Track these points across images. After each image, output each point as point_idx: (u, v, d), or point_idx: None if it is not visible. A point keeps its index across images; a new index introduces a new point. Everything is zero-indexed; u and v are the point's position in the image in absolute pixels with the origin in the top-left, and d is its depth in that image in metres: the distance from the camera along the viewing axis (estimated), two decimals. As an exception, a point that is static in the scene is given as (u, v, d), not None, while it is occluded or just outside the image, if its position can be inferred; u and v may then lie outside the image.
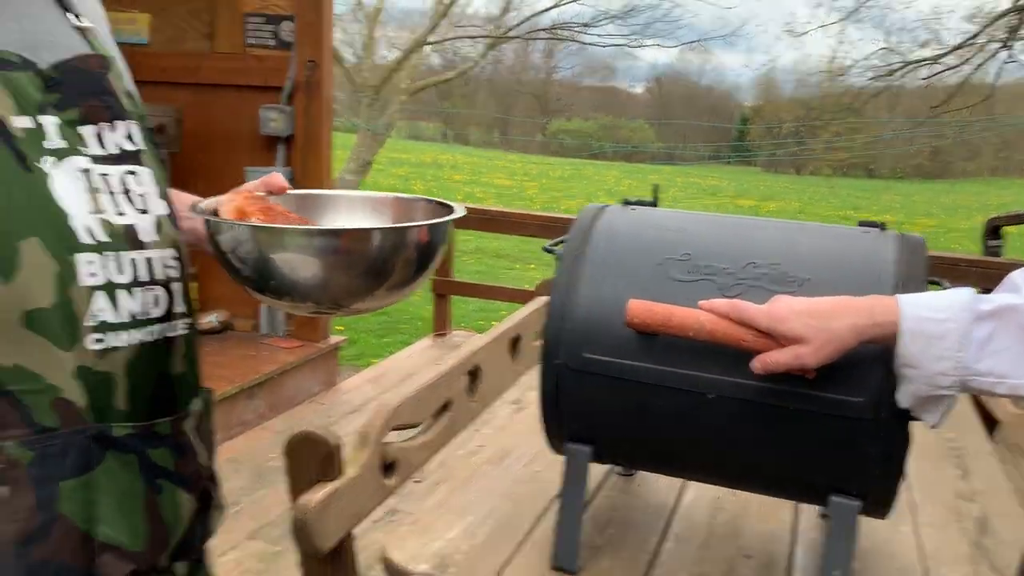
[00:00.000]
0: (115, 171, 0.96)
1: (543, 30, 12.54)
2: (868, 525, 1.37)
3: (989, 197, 22.15)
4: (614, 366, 1.32)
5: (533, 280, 9.87)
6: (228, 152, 4.32)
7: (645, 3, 11.00)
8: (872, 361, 1.13)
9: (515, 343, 2.23)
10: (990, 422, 2.31)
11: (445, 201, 1.17)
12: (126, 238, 0.96)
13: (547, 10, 11.43)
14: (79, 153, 0.92)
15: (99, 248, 0.92)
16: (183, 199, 1.15)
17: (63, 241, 0.88)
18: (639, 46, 11.51)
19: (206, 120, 4.35)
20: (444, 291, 5.16)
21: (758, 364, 1.11)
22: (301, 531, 1.26)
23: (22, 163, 0.86)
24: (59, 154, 0.90)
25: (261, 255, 0.97)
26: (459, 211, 1.11)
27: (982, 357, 0.98)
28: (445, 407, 1.74)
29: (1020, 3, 10.96)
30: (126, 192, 0.98)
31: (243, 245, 0.98)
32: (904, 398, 1.08)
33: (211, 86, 4.33)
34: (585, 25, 11.20)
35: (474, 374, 1.91)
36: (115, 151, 0.97)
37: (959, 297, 1.01)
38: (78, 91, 0.94)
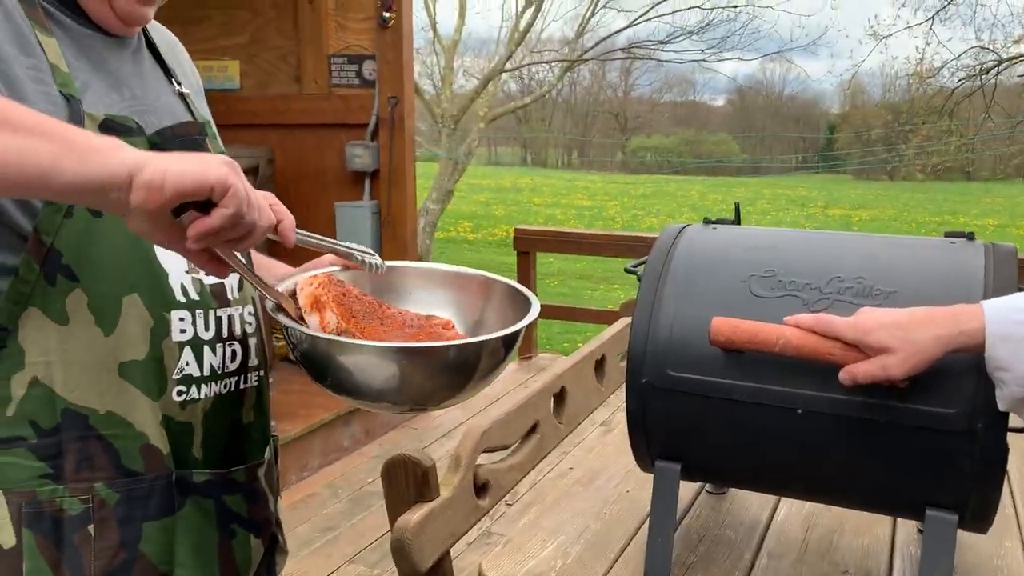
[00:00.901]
0: None
1: (619, 50, 12.58)
2: (971, 540, 1.34)
3: (1099, 194, 21.02)
4: (699, 383, 1.34)
5: (616, 300, 9.84)
6: (318, 188, 4.49)
7: (721, 17, 10.90)
8: (964, 371, 1.12)
9: (600, 364, 2.25)
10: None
11: (521, 288, 1.16)
12: (214, 296, 1.03)
13: (622, 30, 11.48)
14: None
15: (190, 306, 1.00)
16: (264, 263, 1.22)
17: (160, 298, 0.96)
18: (717, 60, 11.42)
19: (296, 159, 4.53)
20: (529, 314, 5.20)
21: (845, 376, 1.11)
22: (400, 551, 1.31)
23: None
24: None
25: (334, 365, 0.98)
26: (534, 311, 1.10)
27: None
28: (533, 429, 1.77)
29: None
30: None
31: (317, 355, 0.99)
32: (1002, 402, 1.07)
33: (299, 126, 4.52)
34: (661, 42, 11.19)
35: (560, 396, 1.94)
36: None
37: None
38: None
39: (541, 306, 1.10)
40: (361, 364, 0.97)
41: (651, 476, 1.38)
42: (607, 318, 4.69)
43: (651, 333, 1.33)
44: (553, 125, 38.18)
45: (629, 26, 11.18)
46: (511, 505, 2.78)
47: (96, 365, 0.91)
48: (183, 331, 0.98)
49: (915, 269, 1.29)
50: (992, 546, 1.50)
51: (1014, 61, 11.42)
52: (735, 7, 10.88)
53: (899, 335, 1.07)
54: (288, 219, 0.89)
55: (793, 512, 1.64)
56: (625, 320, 2.56)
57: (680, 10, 10.89)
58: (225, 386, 1.04)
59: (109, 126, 0.93)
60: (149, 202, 0.73)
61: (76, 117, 0.89)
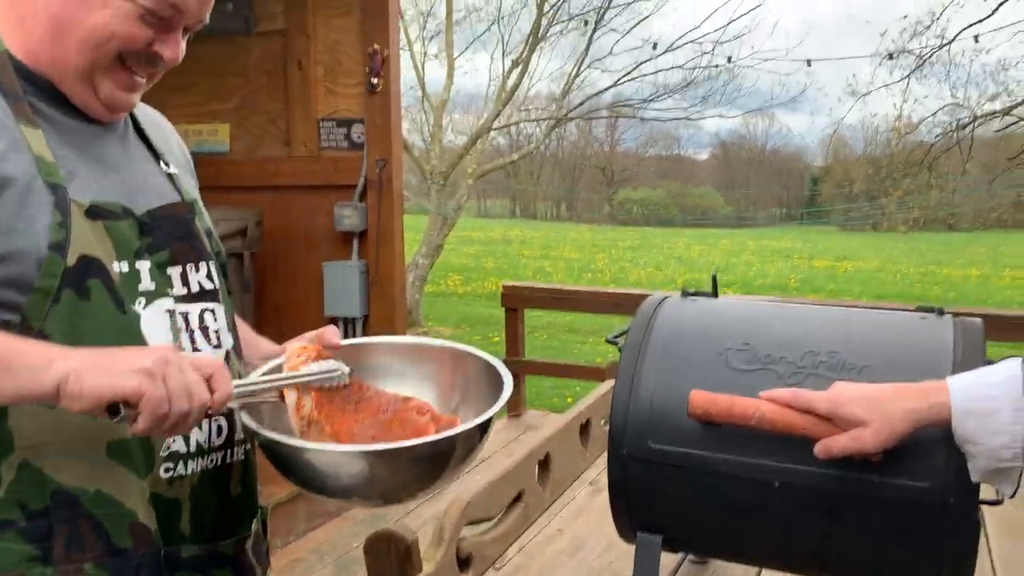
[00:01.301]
0: (195, 309, 1.06)
1: (604, 108, 12.81)
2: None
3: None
4: (679, 455, 1.36)
5: (605, 354, 9.84)
6: (306, 249, 4.52)
7: (702, 76, 11.14)
8: (935, 447, 1.14)
9: (585, 428, 2.27)
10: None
11: (493, 361, 1.17)
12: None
13: (606, 89, 11.70)
14: (166, 295, 1.02)
15: None
16: (249, 339, 1.24)
17: None
18: (700, 118, 11.63)
19: (285, 219, 4.57)
20: (515, 371, 5.21)
21: (821, 449, 1.14)
22: (384, 628, 1.31)
23: (119, 307, 0.97)
24: (149, 297, 1.00)
25: (297, 467, 0.99)
26: (507, 390, 1.10)
27: None
28: (518, 498, 1.78)
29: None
30: (203, 328, 1.07)
31: (281, 458, 1.00)
32: (975, 474, 1.09)
33: (288, 188, 4.57)
34: (645, 100, 11.40)
35: (545, 462, 1.96)
36: (196, 289, 1.07)
37: (1008, 370, 1.03)
38: (168, 235, 1.05)
39: (530, 362, 1.10)
40: (324, 467, 0.98)
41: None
42: (595, 374, 4.70)
43: (632, 405, 1.36)
44: (541, 178, 38.57)
45: (613, 85, 11.41)
46: (499, 569, 2.76)
47: (85, 445, 0.92)
48: None
49: (887, 343, 1.33)
50: (973, 615, 1.51)
51: (988, 117, 11.69)
52: (716, 66, 11.13)
53: (871, 409, 1.10)
54: (222, 392, 0.90)
55: (776, 581, 1.65)
56: (610, 382, 2.58)
57: (662, 70, 11.12)
58: (212, 461, 1.05)
59: (95, 212, 0.96)
60: (75, 409, 0.83)
61: (62, 204, 0.92)
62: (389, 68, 4.35)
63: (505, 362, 1.20)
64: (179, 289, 1.04)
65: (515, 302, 5.34)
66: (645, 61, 10.85)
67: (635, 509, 1.38)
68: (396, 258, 4.49)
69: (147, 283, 1.00)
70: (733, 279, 15.09)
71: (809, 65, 10.71)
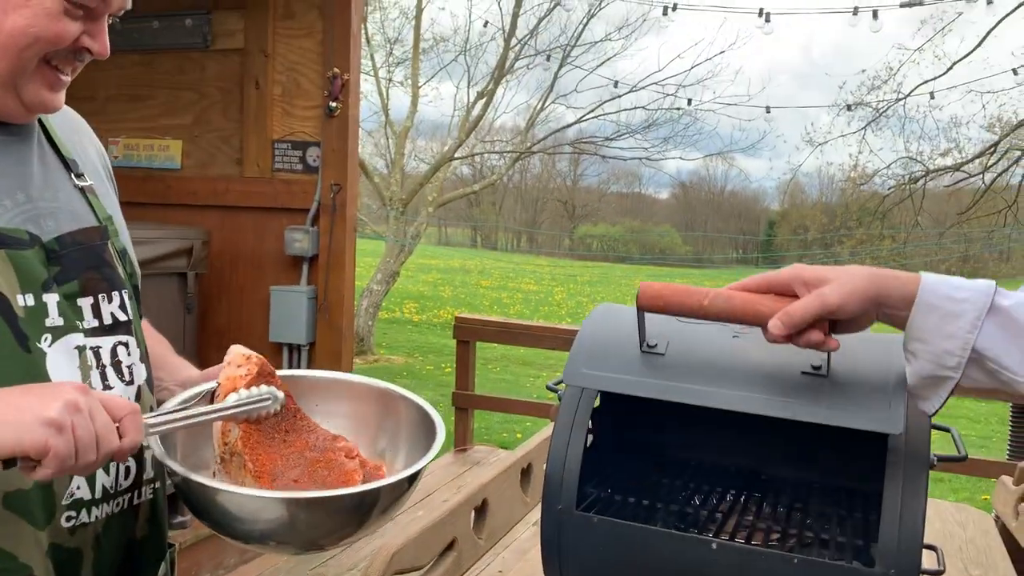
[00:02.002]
0: (108, 342, 0.99)
1: (567, 144, 12.91)
2: None
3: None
4: (616, 513, 1.31)
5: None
6: (254, 271, 4.42)
7: (664, 118, 11.29)
8: (876, 515, 1.10)
9: (527, 473, 2.20)
10: (1017, 556, 2.22)
11: (426, 407, 1.10)
12: None
13: (570, 125, 11.79)
14: (76, 329, 0.94)
15: None
16: (169, 363, 1.16)
17: None
18: (661, 158, 11.77)
19: (233, 241, 4.47)
20: (464, 405, 5.13)
21: (780, 317, 1.00)
22: None
23: (22, 344, 0.88)
24: (57, 332, 0.92)
25: (217, 508, 0.92)
26: (439, 438, 1.04)
27: (989, 345, 0.95)
28: (450, 547, 1.71)
29: (1038, 112, 11.11)
30: (116, 364, 1.00)
31: (192, 496, 0.93)
32: (911, 377, 1.03)
33: (239, 208, 4.47)
34: (608, 139, 11.50)
35: (482, 509, 1.88)
36: (109, 321, 0.99)
37: (980, 284, 0.97)
38: (78, 264, 0.97)
39: (478, 397, 1.03)
40: (240, 511, 0.90)
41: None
42: (544, 412, 4.64)
43: (567, 460, 1.29)
44: (503, 209, 38.72)
45: (577, 122, 11.51)
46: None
47: None
48: None
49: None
50: None
51: (940, 172, 12.02)
52: (677, 109, 11.28)
53: (836, 269, 1.02)
54: (131, 439, 0.82)
55: (713, 642, 1.59)
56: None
57: (625, 109, 11.25)
58: (118, 505, 0.97)
59: (1, 240, 0.88)
60: None
61: None
62: (349, 92, 4.30)
63: (454, 395, 1.15)
64: (90, 322, 0.97)
65: (467, 335, 5.27)
66: (608, 100, 10.96)
67: (567, 567, 1.31)
68: (346, 285, 4.40)
69: (55, 318, 0.92)
70: (688, 319, 15.16)
71: (768, 111, 10.93)
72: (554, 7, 10.79)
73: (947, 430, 1.29)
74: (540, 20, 10.94)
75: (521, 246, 40.53)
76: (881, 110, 11.47)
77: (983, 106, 12.69)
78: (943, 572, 1.17)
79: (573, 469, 1.28)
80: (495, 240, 40.65)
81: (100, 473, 0.94)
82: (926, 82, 11.37)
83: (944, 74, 10.93)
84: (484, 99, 11.04)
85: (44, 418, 0.74)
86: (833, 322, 1.02)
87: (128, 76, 4.59)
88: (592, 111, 11.16)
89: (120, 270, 1.04)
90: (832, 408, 1.11)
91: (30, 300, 0.90)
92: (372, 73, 11.06)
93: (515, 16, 10.77)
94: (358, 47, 4.41)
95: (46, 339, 0.91)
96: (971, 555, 2.05)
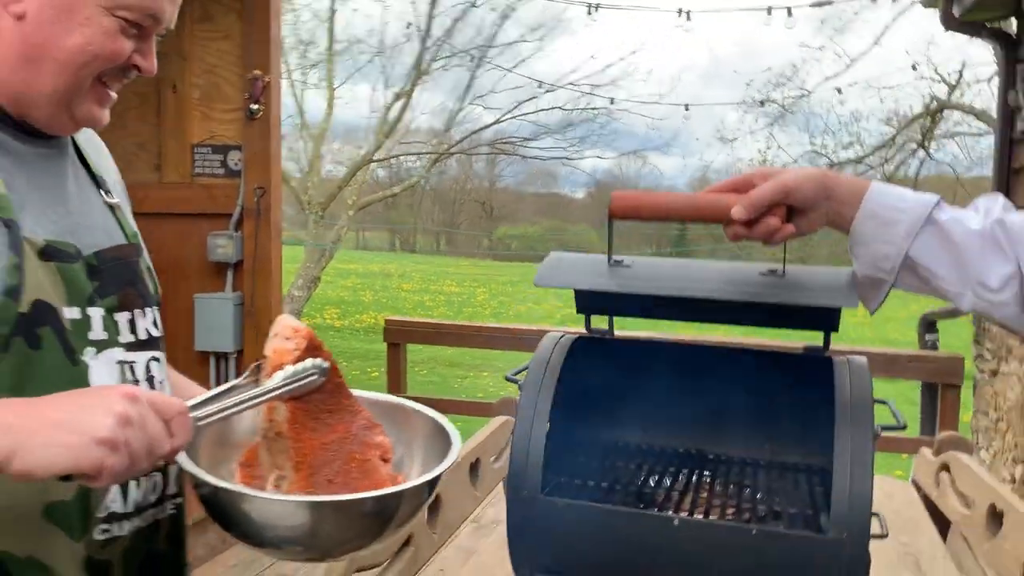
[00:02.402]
0: (142, 358, 0.99)
1: (486, 144, 12.95)
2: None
3: (922, 286, 23.02)
4: (580, 497, 1.35)
5: (486, 388, 9.83)
6: (176, 279, 4.29)
7: (581, 118, 11.45)
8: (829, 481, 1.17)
9: (475, 467, 2.23)
10: (943, 524, 2.36)
11: (441, 420, 1.10)
12: None
13: (488, 126, 11.84)
14: (116, 343, 0.95)
15: None
16: (179, 384, 1.15)
17: None
18: (580, 158, 11.95)
19: (153, 248, 4.28)
20: (398, 407, 5.11)
21: (741, 204, 1.05)
22: None
23: (70, 356, 0.89)
24: (100, 346, 0.93)
25: (243, 515, 0.90)
26: (455, 447, 1.03)
27: (922, 254, 1.02)
28: (407, 543, 1.72)
29: (931, 107, 11.71)
30: (150, 379, 1.00)
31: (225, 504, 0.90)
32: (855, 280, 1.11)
33: (158, 215, 4.33)
34: (525, 139, 11.60)
35: (435, 504, 1.90)
36: (144, 337, 1.00)
37: (923, 198, 1.04)
38: (116, 280, 0.98)
39: (413, 398, 1.03)
40: (264, 516, 0.89)
41: (530, 591, 1.36)
42: (484, 411, 4.64)
43: (531, 446, 1.33)
44: (421, 211, 38.51)
45: (496, 122, 11.57)
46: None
47: (21, 508, 0.85)
48: None
49: (776, 381, 1.37)
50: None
51: (843, 165, 12.55)
52: (594, 109, 11.46)
53: (796, 167, 1.10)
54: (180, 440, 0.81)
55: (668, 619, 1.64)
56: (500, 419, 2.55)
57: (543, 109, 11.36)
58: (144, 520, 0.98)
59: (49, 253, 0.89)
60: (27, 482, 0.74)
61: (16, 244, 0.85)
62: (270, 94, 4.23)
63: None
64: (127, 336, 0.98)
65: (397, 337, 5.26)
66: (527, 100, 11.06)
67: (534, 552, 1.34)
68: (273, 290, 4.33)
69: (98, 331, 0.93)
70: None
71: (687, 109, 11.20)
72: (469, 7, 10.84)
73: (884, 403, 1.37)
74: (456, 21, 10.97)
75: (441, 248, 40.40)
76: (787, 106, 11.93)
77: (881, 100, 13.29)
78: (887, 536, 1.25)
79: (537, 455, 1.32)
80: (414, 243, 40.39)
81: (132, 487, 0.95)
82: (828, 79, 11.87)
83: (845, 71, 11.43)
84: (401, 100, 10.99)
85: (98, 438, 0.73)
86: (789, 216, 1.06)
87: (35, 81, 4.42)
88: (511, 111, 11.25)
89: (150, 287, 1.05)
90: (792, 292, 1.16)
91: (76, 313, 0.91)
92: (287, 75, 10.88)
93: (430, 17, 10.77)
94: (279, 49, 4.35)
95: (90, 352, 0.92)
96: (899, 524, 2.16)
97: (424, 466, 1.03)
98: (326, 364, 0.97)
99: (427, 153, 12.04)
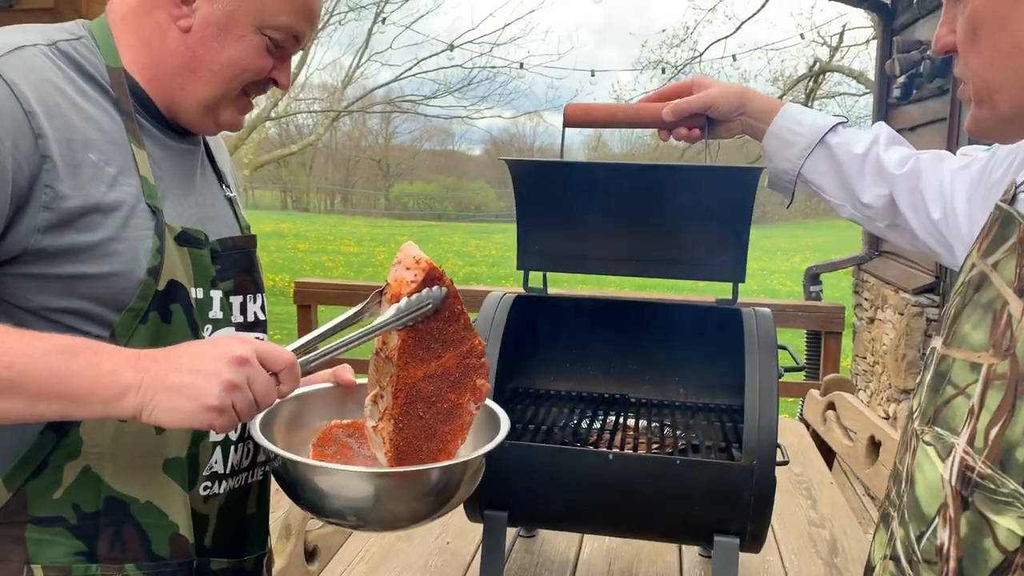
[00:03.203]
0: (224, 333, 1.05)
1: (387, 102, 12.82)
2: (742, 558, 1.59)
3: (803, 239, 24.20)
4: (524, 439, 1.50)
5: (392, 347, 9.89)
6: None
7: (480, 77, 11.48)
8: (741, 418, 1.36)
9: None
10: (828, 455, 2.64)
11: (493, 406, 1.13)
12: None
13: (387, 83, 11.73)
14: (230, 323, 1.04)
15: None
16: None
17: None
18: (479, 117, 11.98)
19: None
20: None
21: (670, 108, 1.24)
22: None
23: (193, 331, 0.97)
24: (216, 324, 1.01)
25: (310, 485, 0.97)
26: (504, 428, 1.09)
27: (812, 171, 1.22)
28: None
29: (814, 69, 12.27)
30: None
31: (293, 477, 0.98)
32: (768, 182, 1.32)
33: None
34: (426, 98, 11.56)
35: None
36: (252, 319, 1.09)
37: (820, 122, 1.23)
38: (234, 266, 1.06)
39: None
40: (328, 486, 0.97)
41: (468, 527, 1.50)
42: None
43: (479, 396, 1.46)
44: (314, 170, 37.67)
45: (394, 80, 11.47)
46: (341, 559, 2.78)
47: (144, 460, 0.95)
48: (212, 435, 1.01)
49: (693, 335, 1.55)
50: (759, 562, 1.77)
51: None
52: (493, 68, 11.51)
53: (722, 83, 1.27)
54: (287, 387, 0.91)
55: (596, 549, 1.83)
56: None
57: (443, 68, 11.35)
58: (238, 481, 1.07)
59: (184, 238, 0.98)
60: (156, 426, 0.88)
61: (160, 229, 0.94)
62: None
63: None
64: (238, 317, 1.07)
65: (308, 299, 5.27)
66: (427, 57, 10.99)
67: (482, 490, 1.48)
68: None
69: (216, 311, 1.02)
70: (507, 272, 15.65)
71: (593, 75, 11.36)
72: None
73: (784, 348, 1.57)
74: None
75: (335, 207, 39.66)
76: (679, 67, 12.27)
77: (768, 62, 13.82)
78: (788, 462, 1.45)
79: (485, 404, 1.46)
80: (307, 202, 39.52)
81: (231, 451, 1.04)
82: (718, 40, 12.26)
83: (734, 33, 11.83)
84: (297, 56, 10.76)
85: (208, 406, 0.83)
86: (711, 123, 1.25)
87: (-85, 36, 4.19)
88: (410, 69, 11.19)
89: (260, 275, 1.13)
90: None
91: (200, 294, 1.00)
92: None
93: (326, -29, 10.52)
94: (182, 7, 4.25)
95: (208, 329, 1.00)
96: (792, 455, 2.41)
97: (474, 446, 1.09)
98: (443, 291, 1.00)
99: (327, 111, 11.85)
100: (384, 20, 10.71)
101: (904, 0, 4.91)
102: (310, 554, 1.62)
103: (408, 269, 0.99)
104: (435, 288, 0.99)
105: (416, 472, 0.99)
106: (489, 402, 1.09)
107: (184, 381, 0.84)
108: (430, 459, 1.01)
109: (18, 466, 0.90)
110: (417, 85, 11.76)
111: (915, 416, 0.81)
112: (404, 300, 0.97)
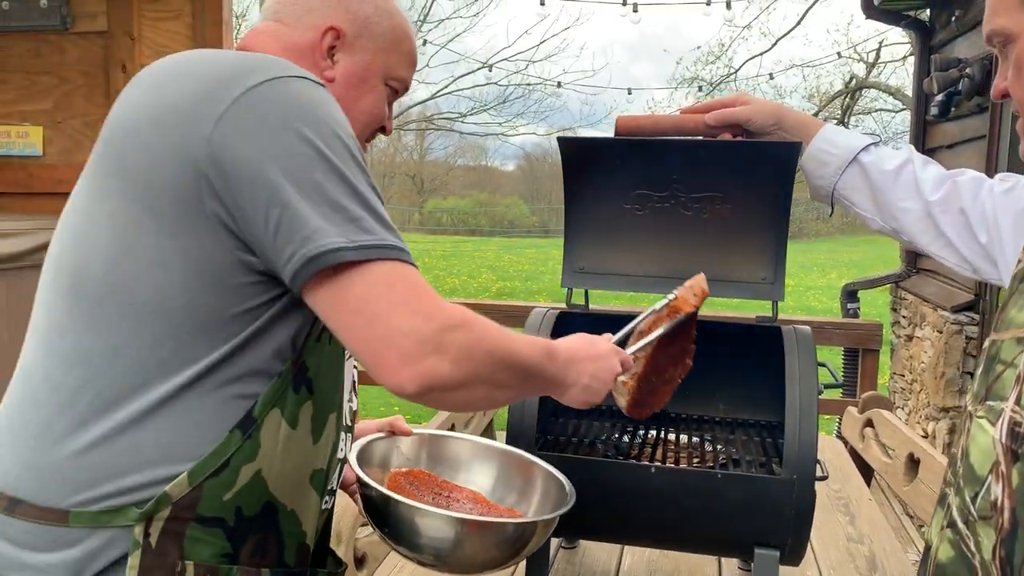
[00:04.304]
0: (351, 363, 1.14)
1: (423, 120, 12.99)
2: (781, 572, 1.61)
3: (840, 255, 23.93)
4: (573, 450, 1.54)
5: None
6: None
7: (516, 94, 11.59)
8: (785, 444, 1.39)
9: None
10: (866, 473, 2.64)
11: (558, 474, 1.28)
12: (352, 422, 1.15)
13: (424, 101, 11.89)
14: None
15: (347, 430, 1.11)
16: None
17: (342, 420, 1.07)
18: (514, 134, 12.10)
19: (106, 228, 4.36)
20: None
21: (715, 115, 1.36)
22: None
23: (343, 353, 1.04)
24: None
25: (397, 521, 1.09)
26: (571, 499, 1.21)
27: (845, 187, 1.31)
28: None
29: (850, 85, 12.20)
30: (354, 382, 1.16)
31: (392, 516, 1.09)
32: (810, 194, 1.40)
33: (110, 194, 4.36)
34: (462, 115, 11.69)
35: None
36: None
37: (853, 142, 1.31)
38: None
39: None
40: (414, 525, 1.07)
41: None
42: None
43: (525, 409, 1.51)
44: (350, 186, 37.97)
45: (431, 98, 11.62)
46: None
47: (299, 468, 0.99)
48: (341, 450, 1.09)
49: (736, 351, 1.58)
50: (797, 575, 1.79)
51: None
52: (528, 85, 11.61)
53: (760, 99, 1.37)
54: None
55: (636, 560, 1.86)
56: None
57: (479, 85, 11.46)
58: (331, 502, 1.13)
59: None
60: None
61: None
62: (154, 62, 4.27)
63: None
64: None
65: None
66: (463, 75, 11.13)
67: (526, 502, 1.53)
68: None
69: None
70: (541, 287, 15.69)
71: (630, 93, 11.42)
72: (403, -17, 10.83)
73: (824, 365, 1.60)
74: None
75: (370, 222, 39.90)
76: (715, 83, 12.29)
77: (804, 78, 13.79)
78: (827, 477, 1.48)
79: (531, 417, 1.51)
80: (343, 217, 39.82)
81: (338, 471, 1.11)
82: (753, 57, 12.26)
83: (769, 50, 11.83)
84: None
85: (592, 403, 1.13)
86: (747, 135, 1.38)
87: (-25, 59, 4.36)
88: (447, 87, 11.33)
89: None
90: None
91: None
92: (217, 49, 10.72)
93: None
94: (230, 30, 4.39)
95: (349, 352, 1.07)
96: (830, 472, 2.42)
97: (537, 509, 1.25)
98: (695, 310, 1.33)
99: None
100: (425, 42, 10.85)
101: (942, 18, 4.90)
102: (359, 560, 1.67)
103: (694, 296, 1.31)
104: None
105: (497, 523, 1.12)
106: (552, 469, 1.31)
107: (588, 383, 1.11)
108: (650, 408, 1.35)
109: (205, 461, 0.91)
110: (453, 102, 11.91)
111: (968, 401, 0.87)
112: (682, 315, 1.31)
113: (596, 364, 1.11)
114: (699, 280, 1.33)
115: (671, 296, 1.32)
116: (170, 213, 0.88)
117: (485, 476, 1.32)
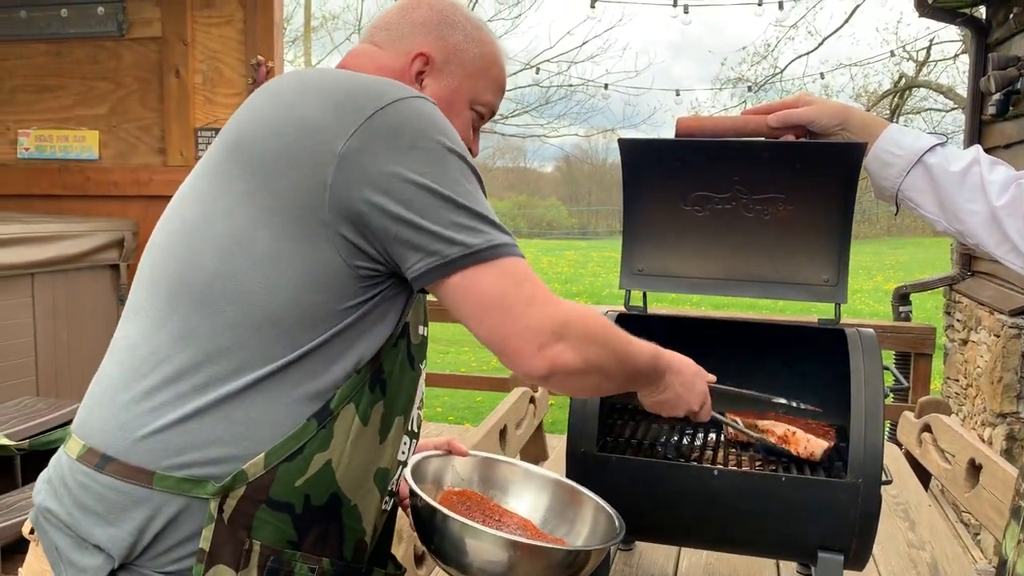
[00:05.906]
0: (422, 379, 1.17)
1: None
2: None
3: (886, 258, 23.51)
4: (632, 452, 1.54)
5: (467, 363, 10.00)
6: (183, 260, 4.42)
7: (558, 95, 11.58)
8: (851, 448, 1.37)
9: (503, 434, 2.42)
10: (923, 477, 2.60)
11: (607, 507, 1.30)
12: (417, 429, 1.17)
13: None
14: (424, 357, 1.14)
15: (412, 435, 1.14)
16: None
17: (408, 424, 1.10)
18: (556, 136, 12.08)
19: (160, 230, 4.45)
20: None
21: (778, 115, 1.35)
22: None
23: (411, 363, 1.08)
24: (421, 358, 1.12)
25: (446, 537, 1.12)
26: (620, 530, 1.24)
27: (910, 189, 1.29)
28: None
29: (899, 84, 12.00)
30: (422, 396, 1.17)
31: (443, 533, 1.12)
32: (874, 193, 1.39)
33: (163, 197, 4.42)
34: (504, 116, 11.71)
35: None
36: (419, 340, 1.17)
37: (918, 143, 1.30)
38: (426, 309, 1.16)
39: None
40: (466, 543, 1.09)
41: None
42: (497, 385, 4.74)
43: (587, 411, 1.52)
44: (390, 188, 38.22)
45: (474, 99, 11.64)
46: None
47: (365, 465, 1.03)
48: (403, 453, 1.12)
49: (796, 354, 1.56)
50: (860, 581, 1.77)
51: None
52: (570, 86, 11.59)
53: (824, 99, 1.37)
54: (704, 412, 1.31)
55: (693, 563, 1.85)
56: (518, 391, 2.74)
57: (520, 87, 11.47)
58: (388, 503, 1.15)
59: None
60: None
61: None
62: (270, 77, 4.33)
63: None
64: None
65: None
66: (512, 74, 11.16)
67: (586, 503, 1.53)
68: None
69: (425, 349, 1.14)
70: (581, 289, 15.64)
71: (678, 94, 11.35)
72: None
73: (887, 368, 1.58)
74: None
75: (410, 224, 40.10)
76: (760, 83, 12.17)
77: (851, 78, 13.59)
78: (891, 482, 1.46)
79: (592, 419, 1.51)
80: (383, 219, 40.08)
81: (400, 473, 1.14)
82: (799, 56, 12.11)
83: (815, 49, 11.68)
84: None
85: (683, 414, 1.27)
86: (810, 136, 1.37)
87: (36, 66, 4.48)
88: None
89: None
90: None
91: (423, 331, 1.12)
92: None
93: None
94: (280, 35, 4.45)
95: (424, 363, 1.13)
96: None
97: (586, 541, 1.26)
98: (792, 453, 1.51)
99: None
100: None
101: (1000, 15, 4.80)
102: (419, 558, 1.69)
103: (804, 447, 1.48)
104: None
105: (550, 549, 1.13)
106: (602, 502, 1.32)
107: (682, 395, 1.24)
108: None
109: (281, 445, 0.96)
110: (496, 104, 11.93)
111: None
112: (776, 445, 1.52)
113: (693, 380, 1.24)
114: (819, 444, 1.47)
115: (792, 432, 1.49)
116: (290, 217, 0.95)
117: (536, 503, 1.34)
